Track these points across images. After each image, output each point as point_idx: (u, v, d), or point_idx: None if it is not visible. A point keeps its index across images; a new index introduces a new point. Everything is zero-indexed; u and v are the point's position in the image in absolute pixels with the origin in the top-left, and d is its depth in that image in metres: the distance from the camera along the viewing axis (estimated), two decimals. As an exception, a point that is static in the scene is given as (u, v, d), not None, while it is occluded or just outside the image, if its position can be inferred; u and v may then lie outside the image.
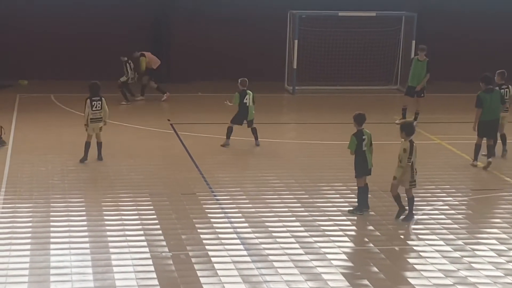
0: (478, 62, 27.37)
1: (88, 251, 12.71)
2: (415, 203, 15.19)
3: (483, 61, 27.23)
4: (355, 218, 14.56)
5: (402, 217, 14.35)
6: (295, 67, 26.78)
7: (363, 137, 14.56)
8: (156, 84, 25.03)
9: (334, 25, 27.34)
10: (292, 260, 12.52)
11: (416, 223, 14.33)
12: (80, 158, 17.64)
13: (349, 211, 14.78)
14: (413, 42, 26.92)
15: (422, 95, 21.87)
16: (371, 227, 14.25)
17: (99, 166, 17.51)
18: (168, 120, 22.30)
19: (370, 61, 28.04)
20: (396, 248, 13.25)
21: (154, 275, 11.90)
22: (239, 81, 19.41)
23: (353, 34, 27.75)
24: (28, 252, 12.62)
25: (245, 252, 12.84)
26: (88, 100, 17.45)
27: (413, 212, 14.38)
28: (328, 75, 27.67)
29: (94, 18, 27.26)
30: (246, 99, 19.28)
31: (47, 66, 26.90)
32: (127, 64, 24.84)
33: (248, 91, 19.33)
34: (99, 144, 17.76)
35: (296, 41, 26.65)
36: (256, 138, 19.55)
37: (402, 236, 13.69)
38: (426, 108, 22.60)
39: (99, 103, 17.49)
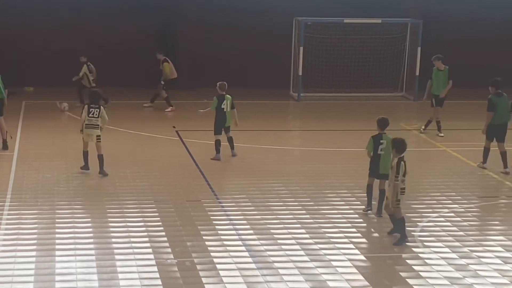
0: (484, 69, 27.34)
1: (93, 257, 12.71)
2: (420, 210, 15.20)
3: (488, 68, 27.19)
4: (361, 225, 14.53)
5: (394, 241, 13.67)
6: (300, 74, 26.80)
7: (381, 141, 14.66)
8: (167, 94, 24.91)
9: (340, 32, 27.36)
10: (297, 267, 12.50)
11: (422, 230, 14.30)
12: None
13: (363, 210, 15.03)
14: (419, 49, 26.94)
15: (442, 104, 21.63)
16: (376, 234, 14.23)
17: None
18: (174, 127, 22.31)
19: (375, 68, 28.04)
20: (402, 255, 13.22)
21: (159, 282, 11.89)
22: (218, 84, 18.83)
23: (358, 41, 27.77)
24: (33, 259, 12.62)
25: (250, 259, 12.83)
26: (86, 106, 17.31)
27: (405, 234, 13.61)
28: (333, 82, 27.67)
29: (101, 26, 27.32)
30: (224, 105, 18.66)
31: (53, 73, 26.94)
32: (87, 65, 24.57)
33: (227, 96, 18.78)
34: (100, 157, 17.25)
35: (301, 48, 26.67)
36: (232, 148, 19.01)
37: (407, 243, 13.64)
38: (428, 115, 22.57)
39: (96, 111, 17.13)
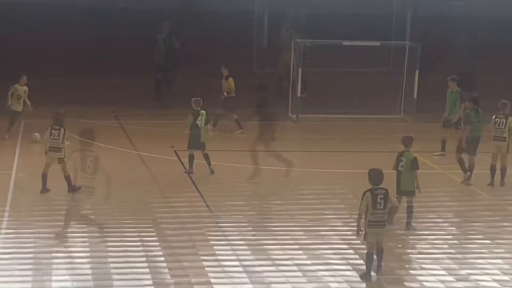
0: (482, 92, 27.38)
1: (90, 277, 12.69)
2: (418, 232, 15.20)
3: (487, 90, 27.25)
4: (359, 246, 14.49)
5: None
6: (299, 95, 26.84)
7: (401, 158, 15.25)
8: (237, 115, 23.97)
9: (338, 54, 27.42)
10: (295, 289, 12.50)
11: (420, 253, 14.30)
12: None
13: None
14: (417, 72, 26.98)
15: (460, 126, 21.57)
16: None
17: (102, 192, 17.45)
18: (172, 147, 22.30)
19: (373, 90, 28.07)
20: (399, 277, 13.20)
21: (156, 302, 11.88)
22: (192, 100, 19.14)
23: (357, 63, 27.82)
24: (30, 278, 12.60)
25: (247, 280, 12.81)
26: (50, 128, 17.26)
27: (369, 272, 12.83)
28: (332, 104, 27.68)
29: (103, 43, 27.41)
30: (199, 120, 18.93)
31: (52, 91, 26.92)
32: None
33: (201, 111, 19.01)
34: (67, 178, 17.00)
35: (300, 70, 26.72)
36: (209, 164, 19.13)
37: (405, 266, 13.64)
38: (427, 137, 22.58)
39: (57, 133, 17.13)
